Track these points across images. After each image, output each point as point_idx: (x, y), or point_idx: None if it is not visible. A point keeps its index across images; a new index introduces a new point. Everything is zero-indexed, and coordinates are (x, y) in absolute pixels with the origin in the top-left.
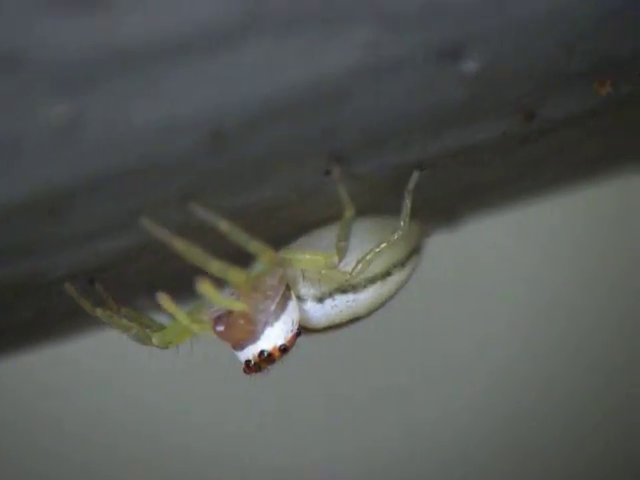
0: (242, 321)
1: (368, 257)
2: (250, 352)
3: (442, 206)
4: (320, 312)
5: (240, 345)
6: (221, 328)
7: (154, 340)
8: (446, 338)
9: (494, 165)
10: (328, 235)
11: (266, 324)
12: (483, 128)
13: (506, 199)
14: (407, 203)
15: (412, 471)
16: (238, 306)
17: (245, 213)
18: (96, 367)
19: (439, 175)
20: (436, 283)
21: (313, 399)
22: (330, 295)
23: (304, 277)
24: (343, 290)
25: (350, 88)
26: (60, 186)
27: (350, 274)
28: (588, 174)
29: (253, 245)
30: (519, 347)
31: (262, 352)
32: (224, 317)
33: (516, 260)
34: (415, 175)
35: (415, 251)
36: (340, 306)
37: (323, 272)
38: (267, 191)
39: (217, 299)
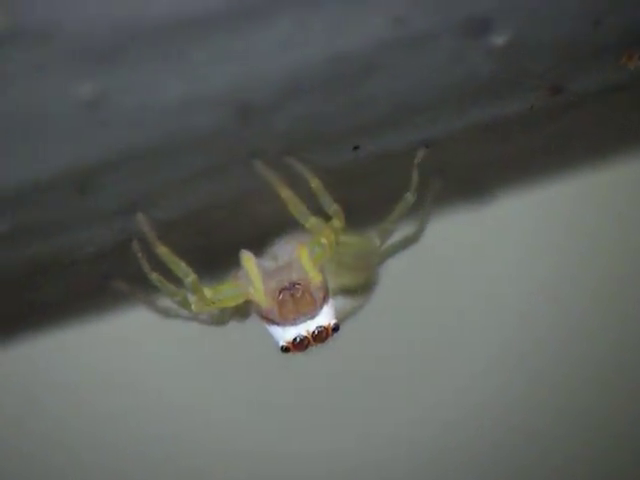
0: (308, 294)
1: (388, 226)
2: (304, 328)
3: (469, 182)
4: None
5: (294, 319)
6: (287, 297)
7: (193, 306)
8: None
9: (521, 140)
10: None
11: (324, 300)
12: (510, 102)
13: (531, 175)
14: (415, 174)
15: (411, 466)
16: (316, 276)
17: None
18: (112, 352)
19: (466, 151)
20: (457, 260)
21: (313, 391)
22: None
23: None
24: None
25: (377, 63)
26: (89, 162)
27: (379, 246)
28: (617, 149)
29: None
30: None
31: (318, 328)
32: (291, 288)
33: (537, 238)
34: (422, 151)
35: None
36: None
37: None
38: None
39: (307, 263)
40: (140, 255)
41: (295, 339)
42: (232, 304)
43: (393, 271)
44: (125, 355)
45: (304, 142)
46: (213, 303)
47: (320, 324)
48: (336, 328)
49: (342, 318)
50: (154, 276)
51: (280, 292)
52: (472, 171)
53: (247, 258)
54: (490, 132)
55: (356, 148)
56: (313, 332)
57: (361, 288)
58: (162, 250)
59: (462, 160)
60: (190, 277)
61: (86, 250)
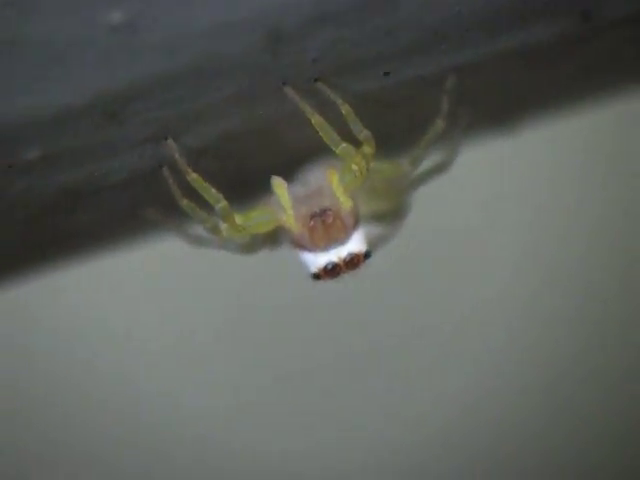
0: (339, 220)
1: (418, 153)
2: (336, 254)
3: (499, 110)
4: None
5: (326, 245)
6: (318, 223)
7: (224, 232)
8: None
9: (552, 68)
10: None
11: (355, 227)
12: (540, 28)
13: (560, 104)
14: (445, 103)
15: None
16: (347, 202)
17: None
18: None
19: (495, 79)
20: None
21: (310, 383)
22: None
23: None
24: None
25: None
26: (119, 88)
27: (411, 170)
28: None
29: (363, 133)
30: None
31: (350, 254)
32: (322, 213)
33: (562, 169)
34: (452, 77)
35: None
36: None
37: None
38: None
39: (337, 188)
40: (171, 182)
41: (327, 265)
42: (263, 230)
43: (422, 199)
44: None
45: (335, 68)
46: (244, 229)
47: (351, 250)
48: (367, 255)
49: (373, 244)
50: (185, 203)
51: (311, 218)
52: (502, 99)
53: (278, 184)
54: (520, 59)
55: (387, 74)
56: (345, 258)
57: (392, 215)
58: (193, 176)
59: (492, 88)
60: (221, 203)
61: (117, 177)
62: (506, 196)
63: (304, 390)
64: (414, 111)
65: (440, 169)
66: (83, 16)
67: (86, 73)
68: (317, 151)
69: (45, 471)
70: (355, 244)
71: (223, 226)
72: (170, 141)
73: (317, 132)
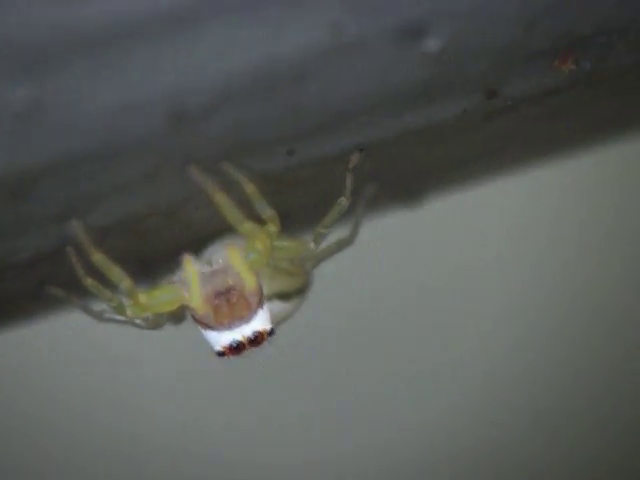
0: (243, 298)
1: (322, 230)
2: (240, 332)
3: (403, 185)
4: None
5: (230, 324)
6: (222, 302)
7: (129, 311)
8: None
9: (456, 143)
10: None
11: (259, 305)
12: (444, 106)
13: (469, 177)
14: (349, 179)
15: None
16: (251, 281)
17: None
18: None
19: (400, 154)
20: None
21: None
22: None
23: None
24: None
25: (310, 69)
26: (22, 169)
27: (315, 247)
28: (550, 152)
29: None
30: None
31: (254, 333)
32: (227, 292)
33: (483, 237)
34: (355, 155)
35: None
36: None
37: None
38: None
39: (241, 267)
40: (75, 261)
41: (231, 344)
42: (167, 309)
43: (327, 274)
44: (57, 361)
45: (238, 148)
46: (148, 308)
47: (255, 329)
48: (271, 332)
49: (277, 322)
50: (89, 282)
51: (215, 297)
52: (406, 174)
53: (188, 261)
54: (424, 135)
55: (290, 153)
56: (249, 337)
57: (296, 292)
58: (97, 257)
59: (396, 164)
60: (125, 282)
61: (20, 256)
62: (409, 268)
63: (305, 394)
64: (319, 189)
65: (344, 244)
66: None
67: None
68: (224, 230)
69: None
70: (259, 322)
71: (128, 304)
72: (75, 221)
73: (221, 211)
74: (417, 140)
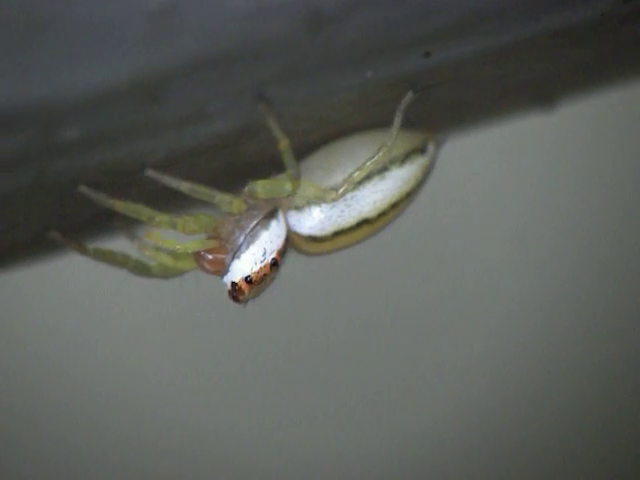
0: (212, 255)
1: (355, 175)
2: (227, 282)
3: (539, 88)
4: (321, 217)
5: (220, 275)
6: (200, 262)
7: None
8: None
9: (593, 46)
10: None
11: (233, 257)
12: (581, 9)
13: (604, 80)
14: (397, 119)
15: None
16: (191, 247)
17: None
18: None
19: (537, 56)
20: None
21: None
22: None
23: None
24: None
25: None
26: (157, 70)
27: (336, 193)
28: None
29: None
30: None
31: (232, 284)
32: (202, 252)
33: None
34: (408, 96)
35: (416, 151)
36: (340, 206)
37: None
38: (366, 76)
39: (167, 242)
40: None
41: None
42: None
43: (327, 274)
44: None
45: (373, 50)
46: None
47: (232, 280)
48: (250, 281)
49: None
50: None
51: (195, 257)
52: (542, 77)
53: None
54: (560, 37)
55: (427, 55)
56: (232, 287)
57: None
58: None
59: (533, 66)
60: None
61: (157, 155)
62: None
63: (303, 387)
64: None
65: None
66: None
67: (124, 56)
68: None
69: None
70: (232, 274)
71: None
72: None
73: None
74: (554, 43)
